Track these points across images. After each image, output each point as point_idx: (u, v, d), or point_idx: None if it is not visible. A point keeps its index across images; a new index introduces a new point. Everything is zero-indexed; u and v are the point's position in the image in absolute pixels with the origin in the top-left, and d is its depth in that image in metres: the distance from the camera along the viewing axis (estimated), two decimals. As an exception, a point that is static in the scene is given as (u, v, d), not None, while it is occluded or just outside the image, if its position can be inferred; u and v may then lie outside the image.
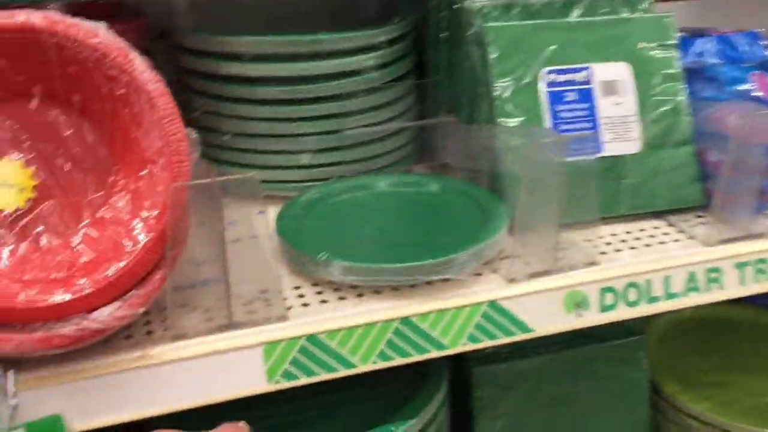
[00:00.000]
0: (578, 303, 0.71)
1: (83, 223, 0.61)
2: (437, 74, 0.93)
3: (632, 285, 0.72)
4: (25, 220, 0.60)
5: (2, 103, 0.60)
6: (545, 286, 0.70)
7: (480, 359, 0.84)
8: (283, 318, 0.65)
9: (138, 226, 0.59)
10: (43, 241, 0.60)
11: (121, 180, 0.62)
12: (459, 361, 0.86)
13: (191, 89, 0.89)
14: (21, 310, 0.55)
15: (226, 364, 0.63)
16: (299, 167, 0.86)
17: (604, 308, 0.71)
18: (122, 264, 0.58)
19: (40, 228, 0.60)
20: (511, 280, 0.70)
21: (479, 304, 0.68)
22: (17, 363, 0.59)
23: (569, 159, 0.72)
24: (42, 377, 0.59)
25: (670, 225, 0.80)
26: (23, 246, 0.59)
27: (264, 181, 0.84)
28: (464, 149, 0.86)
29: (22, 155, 0.60)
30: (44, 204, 0.60)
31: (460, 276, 0.68)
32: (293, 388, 0.67)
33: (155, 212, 0.59)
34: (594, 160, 0.71)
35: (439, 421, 0.76)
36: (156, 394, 0.62)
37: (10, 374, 0.58)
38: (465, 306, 0.67)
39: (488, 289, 0.69)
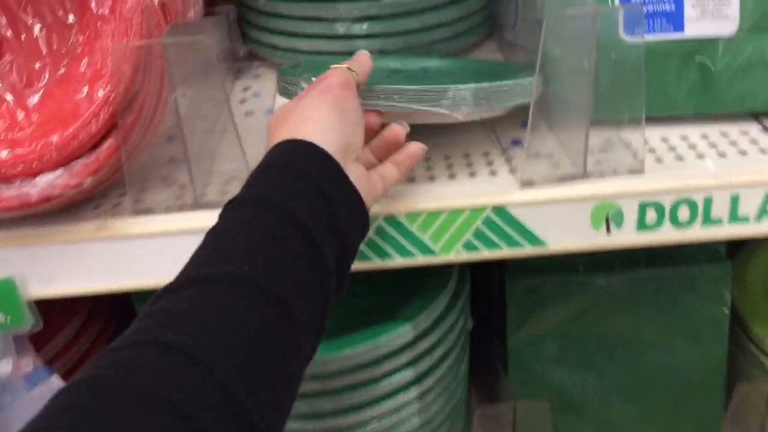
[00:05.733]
0: (609, 218, 0.58)
1: (41, 84, 0.57)
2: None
3: (685, 202, 0.57)
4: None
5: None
6: (569, 194, 0.58)
7: (518, 270, 0.74)
8: (254, 202, 0.59)
9: (88, 90, 0.54)
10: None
11: (81, 39, 0.56)
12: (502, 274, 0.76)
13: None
14: (-38, 167, 0.53)
15: (188, 246, 0.59)
16: (335, 37, 0.76)
17: (643, 227, 0.58)
18: (68, 130, 0.54)
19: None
20: (528, 183, 0.58)
21: (482, 208, 0.57)
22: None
23: (626, 37, 0.58)
24: (-1, 239, 0.58)
25: (766, 130, 0.63)
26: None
27: (299, 51, 0.78)
28: (525, 24, 0.72)
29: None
30: (3, 59, 0.57)
31: (453, 113, 0.56)
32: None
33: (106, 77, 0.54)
34: (642, 40, 0.56)
35: (443, 328, 0.67)
36: (115, 268, 0.59)
37: (-35, 232, 0.58)
38: (464, 209, 0.57)
39: (497, 191, 0.58)
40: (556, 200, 0.58)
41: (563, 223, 0.58)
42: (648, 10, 0.62)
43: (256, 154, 0.53)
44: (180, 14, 0.63)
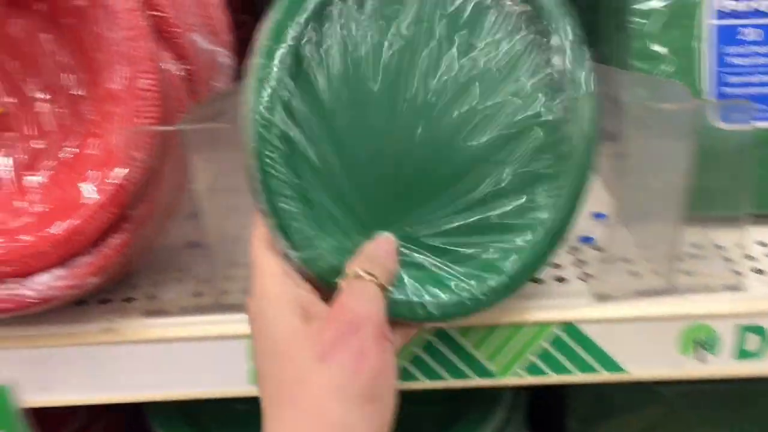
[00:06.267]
0: (701, 342, 0.49)
1: (45, 165, 0.50)
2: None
3: (794, 327, 0.48)
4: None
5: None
6: (652, 312, 0.48)
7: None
8: (282, 306, 0.51)
9: (98, 176, 0.47)
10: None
11: (94, 119, 0.49)
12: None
13: None
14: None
15: (206, 354, 0.51)
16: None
17: (742, 355, 0.49)
18: (73, 222, 0.47)
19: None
20: (603, 297, 0.49)
21: (548, 324, 0.49)
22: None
23: (721, 127, 0.49)
24: (-7, 339, 0.51)
25: None
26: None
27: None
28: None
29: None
30: (4, 135, 0.50)
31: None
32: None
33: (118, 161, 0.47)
34: (750, 129, 0.47)
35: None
36: (122, 376, 0.51)
37: (-45, 331, 0.51)
38: (526, 324, 0.49)
39: (566, 304, 0.49)
40: (638, 318, 0.49)
41: (645, 347, 0.49)
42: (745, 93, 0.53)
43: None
44: (206, 82, 0.56)
